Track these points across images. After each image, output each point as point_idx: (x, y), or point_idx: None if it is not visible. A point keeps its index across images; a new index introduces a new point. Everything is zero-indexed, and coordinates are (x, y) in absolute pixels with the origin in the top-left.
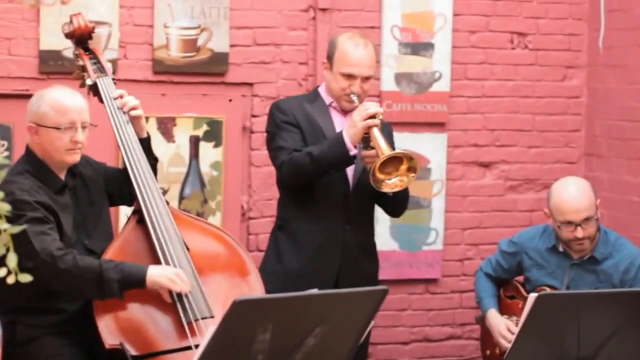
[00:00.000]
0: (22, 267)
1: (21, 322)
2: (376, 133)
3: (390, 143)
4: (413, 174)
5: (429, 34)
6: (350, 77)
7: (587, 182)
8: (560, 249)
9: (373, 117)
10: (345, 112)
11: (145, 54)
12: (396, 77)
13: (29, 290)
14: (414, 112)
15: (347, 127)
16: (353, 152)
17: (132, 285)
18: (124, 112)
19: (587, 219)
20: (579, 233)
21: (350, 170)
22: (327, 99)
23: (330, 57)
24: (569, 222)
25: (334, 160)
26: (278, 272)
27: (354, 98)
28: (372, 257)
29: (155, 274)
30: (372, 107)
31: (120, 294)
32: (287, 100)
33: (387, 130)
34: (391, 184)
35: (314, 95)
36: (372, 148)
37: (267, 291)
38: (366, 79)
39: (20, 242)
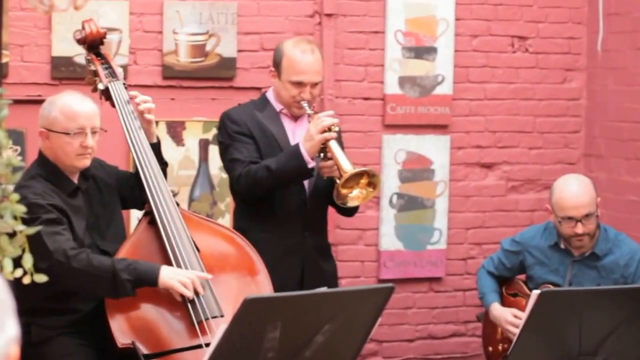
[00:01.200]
0: (36, 268)
1: (36, 323)
2: (334, 146)
3: (340, 144)
4: (372, 189)
5: (431, 38)
6: (299, 84)
7: (588, 180)
8: (562, 246)
9: (329, 128)
10: (295, 117)
11: (154, 60)
12: (400, 81)
13: (44, 291)
14: (417, 114)
15: (303, 140)
16: (311, 164)
17: (145, 284)
18: (138, 114)
19: (587, 215)
20: (579, 229)
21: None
22: (277, 106)
23: (277, 65)
24: (570, 218)
25: (292, 174)
26: None
27: (305, 105)
28: (330, 258)
29: (168, 276)
30: (327, 119)
31: (133, 293)
32: (238, 109)
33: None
34: (354, 197)
35: (263, 102)
36: (329, 159)
37: None
38: (315, 85)
39: (35, 244)
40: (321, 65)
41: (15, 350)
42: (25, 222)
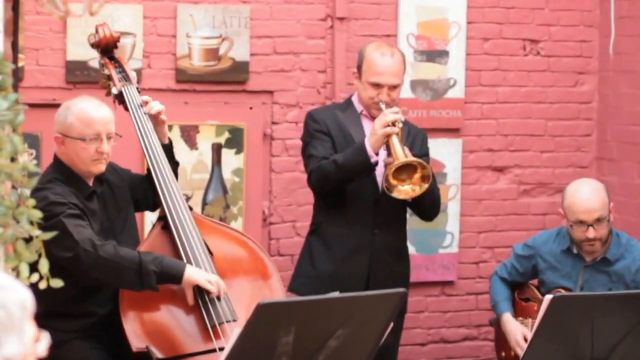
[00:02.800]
0: (61, 259)
1: (51, 326)
2: (393, 140)
3: (422, 149)
4: (426, 184)
5: (443, 41)
6: (377, 86)
7: (601, 184)
8: (574, 250)
9: (393, 124)
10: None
11: (168, 64)
12: (412, 84)
13: (60, 295)
14: (429, 118)
15: (369, 136)
16: (374, 159)
17: (169, 279)
18: (150, 117)
19: (599, 220)
20: (591, 233)
21: (379, 176)
22: (359, 107)
23: (359, 67)
24: (581, 222)
25: (356, 168)
26: (311, 275)
27: (383, 106)
28: (403, 260)
29: (193, 273)
30: (390, 114)
31: (157, 287)
32: (321, 109)
33: (421, 136)
34: (403, 190)
35: (347, 104)
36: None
37: (301, 294)
38: (393, 87)
39: (60, 235)
40: (400, 68)
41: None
42: (44, 225)
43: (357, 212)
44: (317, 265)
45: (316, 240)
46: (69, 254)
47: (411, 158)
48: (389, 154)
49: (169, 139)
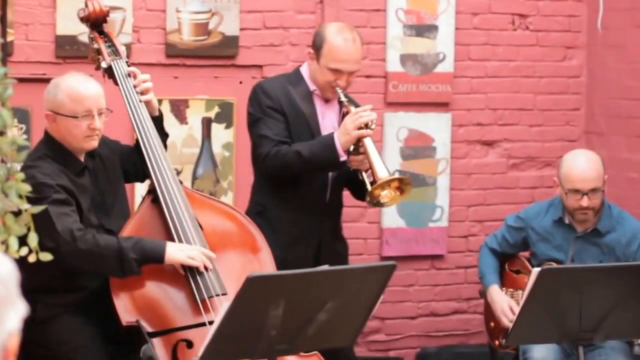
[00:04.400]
0: (43, 248)
1: (42, 300)
2: (369, 146)
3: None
4: (400, 194)
5: (432, 16)
6: (337, 72)
7: (598, 156)
8: (566, 221)
9: (366, 125)
10: (327, 99)
11: (158, 38)
12: (401, 59)
13: (51, 269)
14: (419, 92)
15: (339, 134)
16: (343, 158)
17: (151, 262)
18: (138, 92)
19: (593, 190)
20: (585, 202)
21: None
22: (311, 86)
23: (317, 49)
24: (576, 191)
25: (322, 164)
26: None
27: (339, 90)
28: (342, 240)
29: (174, 252)
30: (365, 115)
31: (139, 271)
32: (272, 81)
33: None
34: (384, 196)
35: (297, 77)
36: (361, 153)
37: None
38: (352, 72)
39: (43, 223)
40: (361, 54)
41: (14, 343)
42: (32, 201)
43: (307, 199)
44: None
45: (262, 223)
46: (50, 244)
47: (396, 176)
48: (355, 151)
49: (160, 111)
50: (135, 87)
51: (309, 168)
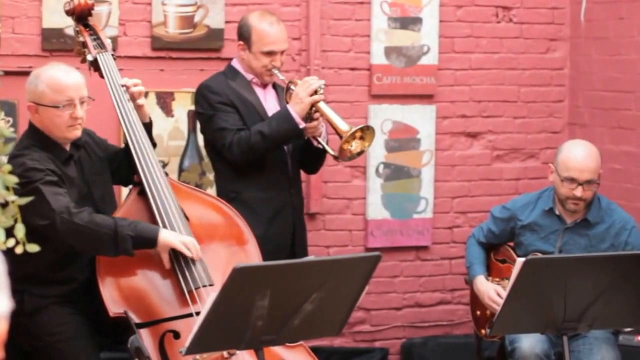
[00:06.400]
0: (37, 226)
1: (29, 292)
2: (324, 107)
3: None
4: (366, 142)
5: (417, 8)
6: (271, 53)
7: (597, 150)
8: (557, 211)
9: (315, 91)
10: (264, 85)
11: (144, 31)
12: (386, 51)
13: (39, 261)
14: (403, 84)
15: (292, 104)
16: (302, 125)
17: (144, 243)
18: (129, 96)
19: (589, 182)
20: (579, 192)
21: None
22: (248, 76)
23: (247, 39)
24: (572, 179)
25: (285, 136)
26: None
27: (276, 72)
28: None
29: (167, 236)
30: (314, 82)
31: (132, 252)
32: (214, 80)
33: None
34: (354, 149)
35: (233, 72)
36: (314, 119)
37: None
38: (283, 52)
39: (37, 201)
40: (286, 33)
41: (3, 326)
42: (24, 185)
43: (273, 176)
44: None
45: (238, 206)
46: (44, 222)
47: (359, 126)
48: (308, 118)
49: (150, 119)
50: (126, 88)
51: (274, 143)
